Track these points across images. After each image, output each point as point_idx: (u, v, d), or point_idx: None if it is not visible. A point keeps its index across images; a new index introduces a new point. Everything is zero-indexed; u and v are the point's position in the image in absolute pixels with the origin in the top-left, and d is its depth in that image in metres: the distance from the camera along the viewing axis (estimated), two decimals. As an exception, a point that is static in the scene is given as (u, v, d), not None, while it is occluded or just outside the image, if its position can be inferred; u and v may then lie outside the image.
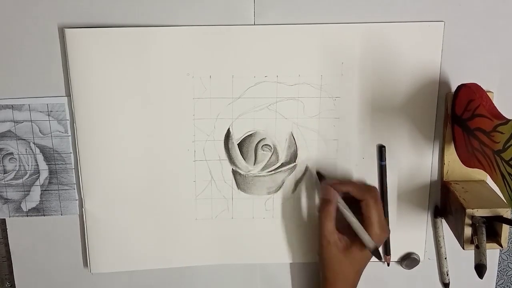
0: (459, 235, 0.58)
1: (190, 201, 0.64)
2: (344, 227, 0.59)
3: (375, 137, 0.63)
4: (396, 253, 0.67)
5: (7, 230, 0.64)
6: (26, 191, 0.63)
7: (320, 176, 0.62)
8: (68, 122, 0.61)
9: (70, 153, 0.62)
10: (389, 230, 0.61)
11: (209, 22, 0.58)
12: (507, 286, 1.43)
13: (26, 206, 0.63)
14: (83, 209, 0.63)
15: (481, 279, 0.53)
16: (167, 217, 0.64)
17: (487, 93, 0.57)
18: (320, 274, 0.61)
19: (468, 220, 0.56)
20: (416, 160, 0.64)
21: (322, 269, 0.60)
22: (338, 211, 0.58)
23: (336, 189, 0.59)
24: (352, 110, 0.62)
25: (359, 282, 0.60)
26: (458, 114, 0.59)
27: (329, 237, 0.58)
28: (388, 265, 0.66)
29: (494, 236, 0.57)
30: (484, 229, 0.55)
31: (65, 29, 0.57)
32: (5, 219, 0.64)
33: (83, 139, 0.60)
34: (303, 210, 0.65)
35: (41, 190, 0.63)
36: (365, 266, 0.60)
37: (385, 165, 0.63)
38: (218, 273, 0.67)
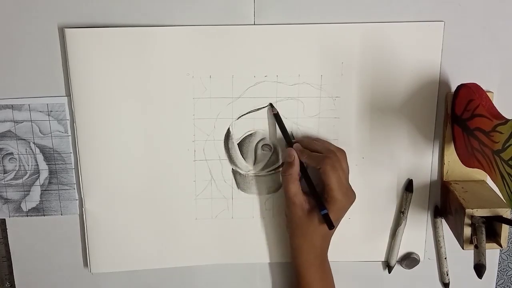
0: (458, 235, 0.58)
1: (190, 201, 0.64)
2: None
3: (375, 137, 0.63)
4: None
5: (7, 230, 0.64)
6: (26, 191, 0.63)
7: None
8: (68, 122, 0.61)
9: (70, 153, 0.62)
10: (354, 196, 0.59)
11: (209, 22, 0.58)
12: (507, 286, 1.43)
13: (26, 206, 0.63)
14: (83, 209, 0.63)
15: (480, 279, 0.53)
16: (167, 217, 0.64)
17: (487, 93, 0.57)
18: (289, 241, 0.61)
19: (467, 220, 0.56)
20: (416, 160, 0.64)
21: (289, 233, 0.61)
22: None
23: (302, 158, 0.59)
24: (352, 110, 0.62)
25: (355, 281, 0.60)
26: (458, 114, 0.59)
27: (294, 198, 0.58)
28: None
29: (493, 236, 0.57)
30: (483, 229, 0.55)
31: (65, 29, 0.57)
32: (5, 219, 0.64)
33: (83, 139, 0.60)
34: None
35: (41, 190, 0.63)
36: (332, 233, 0.60)
37: (278, 114, 0.61)
38: (218, 273, 0.67)
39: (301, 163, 0.59)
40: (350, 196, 0.59)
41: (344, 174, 0.58)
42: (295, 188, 0.58)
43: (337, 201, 0.57)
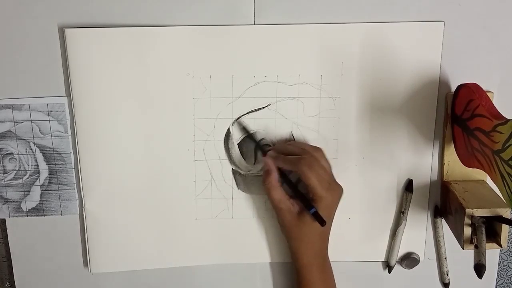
0: (458, 235, 0.58)
1: (190, 201, 0.64)
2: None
3: (375, 137, 0.63)
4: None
5: (7, 230, 0.64)
6: (26, 191, 0.63)
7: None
8: (68, 122, 0.61)
9: (70, 153, 0.62)
10: (341, 189, 0.59)
11: (209, 22, 0.58)
12: (507, 286, 1.43)
13: (26, 206, 0.63)
14: (83, 209, 0.63)
15: (480, 279, 0.53)
16: (167, 217, 0.64)
17: (487, 93, 0.57)
18: (288, 246, 0.61)
19: (467, 220, 0.56)
20: (416, 160, 0.64)
21: (286, 239, 0.61)
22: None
23: (278, 164, 0.59)
24: (352, 110, 0.62)
25: (355, 281, 0.60)
26: (458, 114, 0.59)
27: (279, 204, 0.58)
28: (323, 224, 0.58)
29: (493, 236, 0.57)
30: (483, 229, 0.55)
31: (65, 29, 0.57)
32: (5, 219, 0.64)
33: (83, 139, 0.60)
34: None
35: (41, 190, 0.63)
36: (328, 231, 0.60)
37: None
38: (218, 273, 0.67)
39: (281, 170, 0.59)
40: (336, 190, 0.58)
41: (325, 170, 0.58)
42: (278, 194, 0.58)
43: (323, 199, 0.56)
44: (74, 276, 0.66)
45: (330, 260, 0.63)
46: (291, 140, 0.62)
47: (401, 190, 0.65)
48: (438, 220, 0.66)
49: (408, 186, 0.64)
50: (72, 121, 0.60)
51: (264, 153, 0.61)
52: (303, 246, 0.59)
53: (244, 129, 0.61)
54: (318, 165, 0.57)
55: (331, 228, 0.60)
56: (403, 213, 0.64)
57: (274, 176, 0.59)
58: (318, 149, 0.59)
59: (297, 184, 0.59)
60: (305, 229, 0.58)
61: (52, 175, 0.62)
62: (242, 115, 0.61)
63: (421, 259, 0.67)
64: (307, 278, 0.60)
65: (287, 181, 0.59)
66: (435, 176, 0.65)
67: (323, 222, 0.56)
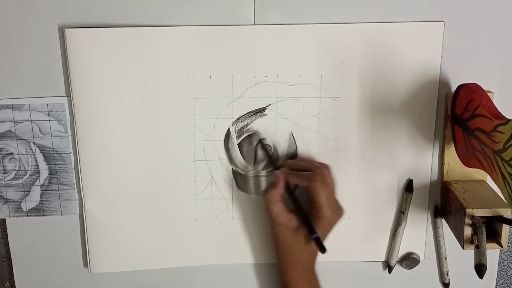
0: (459, 235, 0.58)
1: (190, 201, 0.64)
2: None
3: (375, 137, 0.63)
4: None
5: (7, 230, 0.64)
6: (26, 191, 0.63)
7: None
8: (68, 122, 0.61)
9: (70, 153, 0.62)
10: (343, 211, 0.59)
11: (209, 22, 0.58)
12: (507, 286, 1.43)
13: (26, 206, 0.63)
14: (83, 209, 0.63)
15: (481, 279, 0.53)
16: (167, 217, 0.64)
17: (487, 93, 0.57)
18: (276, 257, 0.61)
19: (468, 220, 0.56)
20: (416, 160, 0.64)
21: (276, 251, 0.61)
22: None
23: (290, 178, 0.59)
24: (352, 110, 0.62)
25: (355, 281, 0.60)
26: (458, 114, 0.59)
27: (278, 218, 0.58)
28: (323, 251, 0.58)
29: (494, 236, 0.57)
30: (484, 229, 0.55)
31: (65, 29, 0.57)
32: (5, 219, 0.64)
33: (83, 139, 0.60)
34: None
35: (41, 190, 0.63)
36: (314, 250, 0.59)
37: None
38: (218, 273, 0.67)
39: (287, 186, 0.59)
40: (338, 212, 0.59)
41: (332, 190, 0.58)
42: (278, 208, 0.58)
43: (326, 218, 0.57)
44: (74, 276, 0.66)
45: (330, 260, 0.63)
46: (299, 156, 0.62)
47: (401, 190, 0.65)
48: (438, 220, 0.66)
49: (408, 186, 0.64)
50: (72, 121, 0.60)
51: (276, 168, 0.61)
52: (293, 260, 0.59)
53: (263, 147, 0.62)
54: (329, 184, 0.58)
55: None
56: (403, 213, 0.64)
57: (279, 191, 0.58)
58: (327, 166, 0.59)
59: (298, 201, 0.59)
60: (299, 246, 0.58)
61: (52, 175, 0.62)
62: (242, 115, 0.61)
63: (421, 259, 0.67)
64: None
65: (293, 198, 0.59)
66: (435, 176, 0.65)
67: (323, 249, 0.56)
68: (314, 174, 0.57)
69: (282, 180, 0.59)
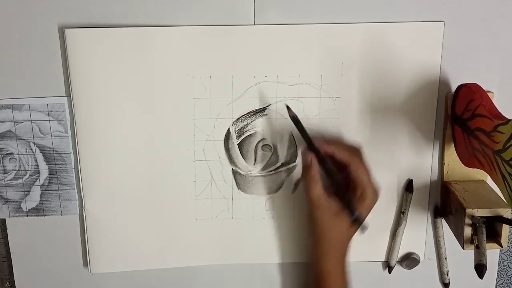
0: (459, 235, 0.58)
1: (190, 201, 0.64)
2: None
3: (375, 137, 0.63)
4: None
5: (7, 230, 0.64)
6: (26, 191, 0.63)
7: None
8: (68, 122, 0.61)
9: (70, 153, 0.62)
10: (379, 192, 0.57)
11: (209, 22, 0.58)
12: (507, 286, 1.43)
13: (26, 206, 0.63)
14: (83, 209, 0.63)
15: (481, 279, 0.53)
16: (167, 217, 0.64)
17: (487, 93, 0.57)
18: (308, 238, 0.59)
19: (468, 220, 0.56)
20: (416, 160, 0.64)
21: (314, 240, 0.58)
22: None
23: (320, 149, 0.56)
24: (352, 110, 0.62)
25: (355, 281, 0.60)
26: (458, 114, 0.59)
27: (317, 202, 0.55)
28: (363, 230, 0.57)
29: (494, 236, 0.57)
30: (484, 229, 0.55)
31: (65, 29, 0.57)
32: (5, 219, 0.64)
33: (83, 139, 0.60)
34: (303, 210, 0.65)
35: (41, 190, 0.63)
36: (353, 234, 0.58)
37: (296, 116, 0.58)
38: (218, 273, 0.67)
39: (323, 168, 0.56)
40: (377, 193, 0.56)
41: (369, 169, 0.56)
42: (318, 189, 0.55)
43: (368, 198, 0.55)
44: (74, 276, 0.66)
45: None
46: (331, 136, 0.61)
47: (401, 190, 0.65)
48: (438, 220, 0.66)
49: (408, 186, 0.64)
50: (72, 121, 0.60)
51: (309, 145, 0.57)
52: (332, 249, 0.57)
53: (293, 117, 0.59)
54: (366, 163, 0.56)
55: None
56: (403, 213, 0.64)
57: (316, 169, 0.55)
58: (361, 146, 0.58)
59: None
60: (339, 233, 0.56)
61: (52, 175, 0.62)
62: (242, 115, 0.61)
63: (421, 259, 0.67)
64: (328, 284, 0.57)
65: (331, 179, 0.56)
66: (435, 176, 0.65)
67: (364, 228, 0.53)
68: (355, 150, 0.55)
69: (314, 158, 0.56)
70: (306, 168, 0.57)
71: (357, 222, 0.55)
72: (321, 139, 0.58)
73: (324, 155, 0.57)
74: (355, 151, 0.57)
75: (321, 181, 0.56)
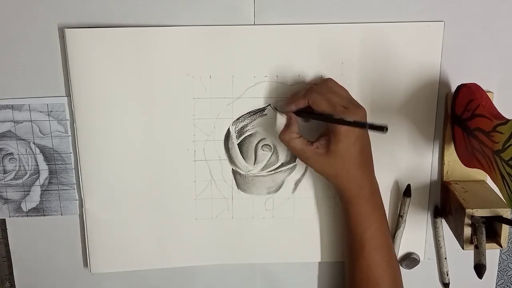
0: (459, 235, 0.58)
1: (190, 201, 0.64)
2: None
3: (375, 137, 0.63)
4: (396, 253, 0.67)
5: (7, 230, 0.64)
6: (26, 191, 0.63)
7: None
8: (68, 122, 0.61)
9: (70, 153, 0.62)
10: (362, 109, 0.56)
11: (209, 22, 0.58)
12: (507, 286, 1.43)
13: (26, 206, 0.63)
14: (83, 209, 0.63)
15: (480, 279, 0.53)
16: (167, 217, 0.64)
17: (487, 93, 0.57)
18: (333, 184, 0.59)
19: (468, 220, 0.56)
20: (416, 160, 0.64)
21: (326, 179, 0.59)
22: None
23: (291, 108, 0.57)
24: (352, 110, 0.62)
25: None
26: (458, 114, 0.59)
27: (304, 153, 0.57)
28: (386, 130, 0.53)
29: (494, 236, 0.57)
30: (483, 229, 0.55)
31: (65, 29, 0.57)
32: (5, 219, 0.64)
33: (83, 139, 0.60)
34: (303, 210, 0.65)
35: (41, 190, 0.63)
36: (366, 156, 0.58)
37: None
38: (218, 273, 0.67)
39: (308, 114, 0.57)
40: (356, 112, 0.55)
41: (337, 95, 0.55)
42: (298, 144, 0.57)
43: (359, 113, 0.55)
44: (74, 276, 0.66)
45: (330, 260, 0.62)
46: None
47: (400, 192, 0.65)
48: (438, 220, 0.66)
49: (406, 191, 0.64)
50: (72, 121, 0.60)
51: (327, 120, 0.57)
52: (344, 180, 0.57)
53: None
54: (329, 92, 0.55)
55: (332, 227, 0.60)
56: (401, 217, 0.64)
57: (291, 129, 0.56)
58: (328, 79, 0.58)
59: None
60: (339, 163, 0.56)
61: (52, 175, 0.62)
62: (242, 115, 0.61)
63: (421, 259, 0.67)
64: (354, 211, 0.58)
65: (316, 115, 0.56)
66: (435, 176, 0.65)
67: (384, 128, 0.49)
68: (308, 90, 0.56)
69: (293, 118, 0.57)
70: (284, 128, 0.57)
71: (373, 128, 0.52)
72: (291, 100, 0.58)
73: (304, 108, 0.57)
74: (324, 81, 0.57)
75: (299, 135, 0.57)
